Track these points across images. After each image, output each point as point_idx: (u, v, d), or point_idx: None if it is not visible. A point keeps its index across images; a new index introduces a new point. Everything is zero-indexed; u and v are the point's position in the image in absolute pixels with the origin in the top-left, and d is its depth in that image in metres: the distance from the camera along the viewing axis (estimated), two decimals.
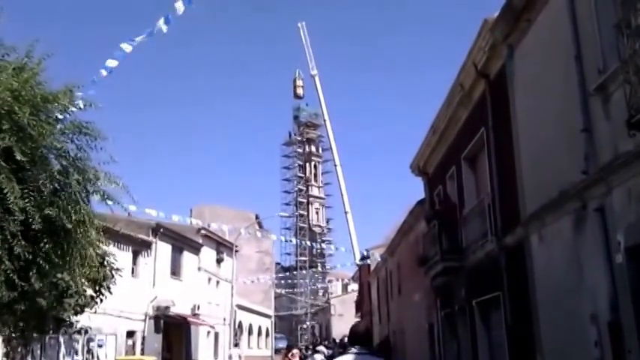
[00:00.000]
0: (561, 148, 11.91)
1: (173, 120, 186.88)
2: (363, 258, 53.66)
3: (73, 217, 12.19)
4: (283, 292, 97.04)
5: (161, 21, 17.75)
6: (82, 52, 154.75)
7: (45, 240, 11.85)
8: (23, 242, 11.36)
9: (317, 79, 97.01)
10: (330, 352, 39.48)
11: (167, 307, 37.24)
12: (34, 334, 17.96)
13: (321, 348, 37.54)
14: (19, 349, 19.69)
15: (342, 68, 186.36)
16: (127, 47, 17.97)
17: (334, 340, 64.43)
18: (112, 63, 17.81)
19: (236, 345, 51.89)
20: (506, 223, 15.44)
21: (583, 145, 10.76)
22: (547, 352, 12.92)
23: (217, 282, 50.07)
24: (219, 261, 50.67)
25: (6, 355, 19.32)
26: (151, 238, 37.22)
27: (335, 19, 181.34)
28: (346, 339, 51.06)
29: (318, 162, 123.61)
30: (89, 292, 17.39)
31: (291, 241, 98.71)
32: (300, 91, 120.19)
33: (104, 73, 17.64)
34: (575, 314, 11.28)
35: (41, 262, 11.97)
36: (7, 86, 11.54)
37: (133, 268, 34.67)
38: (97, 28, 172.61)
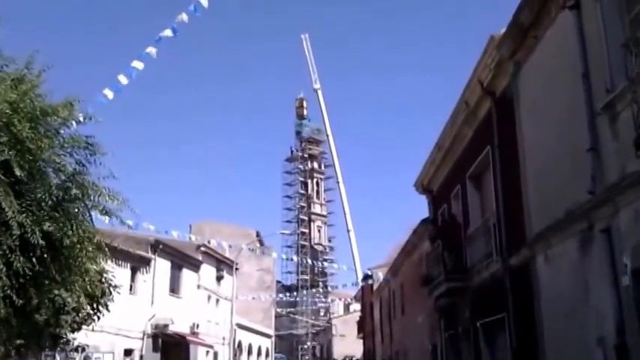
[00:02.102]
0: (567, 167, 11.78)
1: (172, 134, 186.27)
2: (365, 277, 53.34)
3: (72, 233, 12.05)
4: (284, 311, 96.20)
5: (167, 31, 17.78)
6: (82, 66, 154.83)
7: (44, 255, 11.69)
8: (21, 258, 11.21)
9: (320, 93, 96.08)
10: None
11: (166, 326, 36.84)
12: (30, 352, 17.68)
13: None
14: None
15: (346, 84, 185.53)
16: (138, 64, 17.98)
17: None
18: (122, 80, 17.83)
19: None
20: (511, 243, 15.27)
21: (590, 164, 10.63)
22: None
23: (217, 300, 49.64)
24: (219, 279, 50.19)
25: None
26: (149, 255, 36.90)
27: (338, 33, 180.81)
28: None
29: (321, 179, 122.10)
30: (87, 309, 17.15)
31: (292, 259, 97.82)
32: (303, 112, 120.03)
33: (110, 94, 17.63)
34: (582, 337, 11.14)
35: (40, 277, 11.82)
36: (6, 98, 11.43)
37: (131, 285, 34.34)
38: (101, 40, 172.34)
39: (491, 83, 16.17)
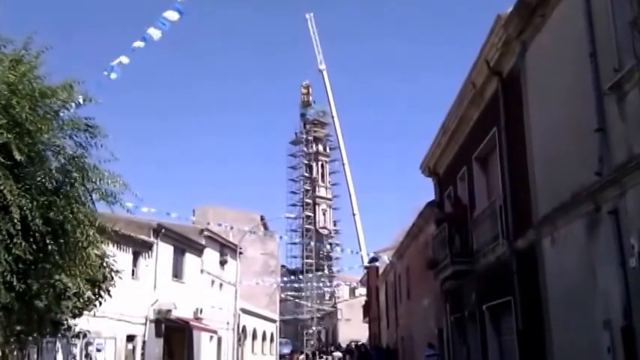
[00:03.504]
0: (574, 148, 11.63)
1: (176, 115, 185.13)
2: (371, 261, 53.14)
3: (72, 217, 11.94)
4: (289, 295, 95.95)
5: (151, 30, 17.64)
6: (82, 44, 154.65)
7: (44, 240, 11.58)
8: (22, 243, 11.10)
9: (325, 74, 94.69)
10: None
11: (168, 311, 36.39)
12: (31, 338, 17.60)
13: (336, 354, 37.30)
14: (15, 353, 19.37)
15: (351, 66, 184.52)
16: (139, 44, 17.79)
17: (339, 345, 63.71)
18: (124, 60, 17.65)
19: None
20: (517, 226, 15.15)
21: (597, 145, 10.47)
22: (559, 358, 12.65)
23: (221, 285, 49.13)
24: (222, 263, 49.66)
25: (1, 358, 19.05)
26: (152, 239, 36.39)
27: (343, 18, 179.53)
28: (353, 344, 50.72)
29: (326, 161, 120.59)
30: (88, 294, 17.05)
31: (295, 243, 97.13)
32: (309, 99, 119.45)
33: (113, 75, 17.47)
34: (588, 319, 11.04)
35: (40, 262, 11.73)
36: (4, 79, 11.31)
37: (133, 270, 33.86)
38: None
39: (498, 63, 15.98)
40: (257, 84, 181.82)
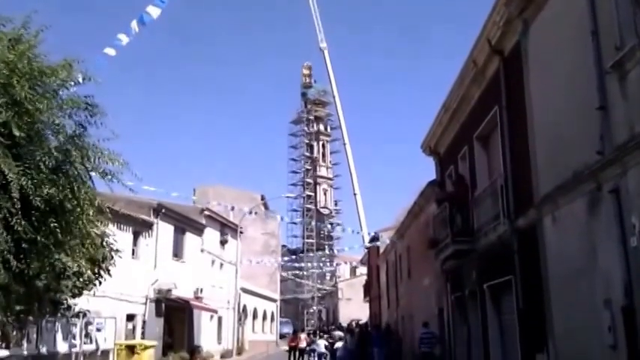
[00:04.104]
0: (576, 127, 11.59)
1: (175, 93, 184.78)
2: (372, 240, 53.04)
3: (72, 196, 11.92)
4: (289, 275, 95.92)
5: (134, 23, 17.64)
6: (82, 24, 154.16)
7: (44, 219, 11.57)
8: (21, 221, 11.10)
9: (326, 52, 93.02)
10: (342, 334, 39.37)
11: (169, 290, 36.31)
12: (30, 318, 17.57)
13: (337, 333, 37.22)
14: (15, 333, 19.40)
15: (353, 51, 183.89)
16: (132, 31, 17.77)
17: (340, 324, 63.80)
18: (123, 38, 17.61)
19: None
20: (519, 205, 15.12)
21: (598, 124, 10.42)
22: (559, 337, 12.66)
23: (221, 264, 49.07)
24: (223, 243, 49.56)
25: (0, 338, 19.06)
26: (152, 219, 36.28)
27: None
28: (354, 324, 50.68)
29: (327, 141, 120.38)
30: (88, 273, 16.99)
31: (296, 223, 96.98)
32: (308, 80, 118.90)
33: (112, 52, 17.41)
34: (589, 299, 11.02)
35: (40, 242, 11.71)
36: (3, 58, 11.28)
37: (133, 250, 33.78)
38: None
39: (500, 42, 15.89)
40: (259, 63, 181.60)
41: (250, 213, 55.10)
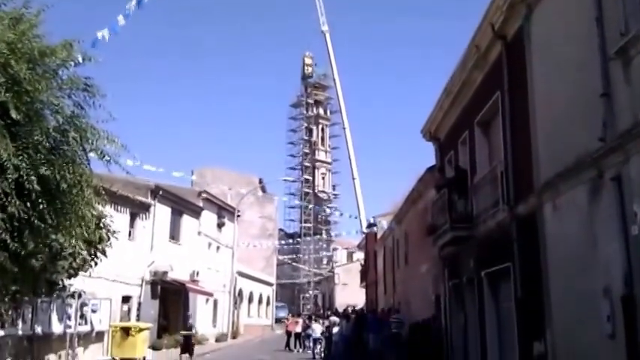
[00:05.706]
0: (578, 114, 11.49)
1: (176, 79, 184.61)
2: (370, 225, 53.02)
3: (69, 177, 11.86)
4: (286, 259, 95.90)
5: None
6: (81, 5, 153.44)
7: (40, 199, 11.51)
8: (17, 201, 11.04)
9: (327, 36, 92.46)
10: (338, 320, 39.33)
11: (165, 273, 36.41)
12: (26, 298, 17.53)
13: (333, 318, 37.23)
14: (10, 313, 19.36)
15: (357, 39, 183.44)
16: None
17: (336, 309, 63.89)
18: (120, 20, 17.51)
19: None
20: (519, 192, 15.03)
21: (601, 111, 10.33)
22: (557, 326, 12.60)
23: (218, 247, 49.21)
24: (220, 226, 49.67)
25: None
26: (149, 200, 36.30)
27: None
28: (350, 309, 50.65)
29: (326, 125, 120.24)
30: (84, 254, 16.94)
31: (293, 207, 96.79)
32: (309, 70, 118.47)
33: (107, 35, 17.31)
34: (588, 287, 10.97)
35: (35, 222, 11.66)
36: (3, 38, 11.21)
37: (130, 231, 33.79)
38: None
39: (503, 26, 15.77)
40: (260, 47, 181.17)
41: (252, 194, 55.12)
